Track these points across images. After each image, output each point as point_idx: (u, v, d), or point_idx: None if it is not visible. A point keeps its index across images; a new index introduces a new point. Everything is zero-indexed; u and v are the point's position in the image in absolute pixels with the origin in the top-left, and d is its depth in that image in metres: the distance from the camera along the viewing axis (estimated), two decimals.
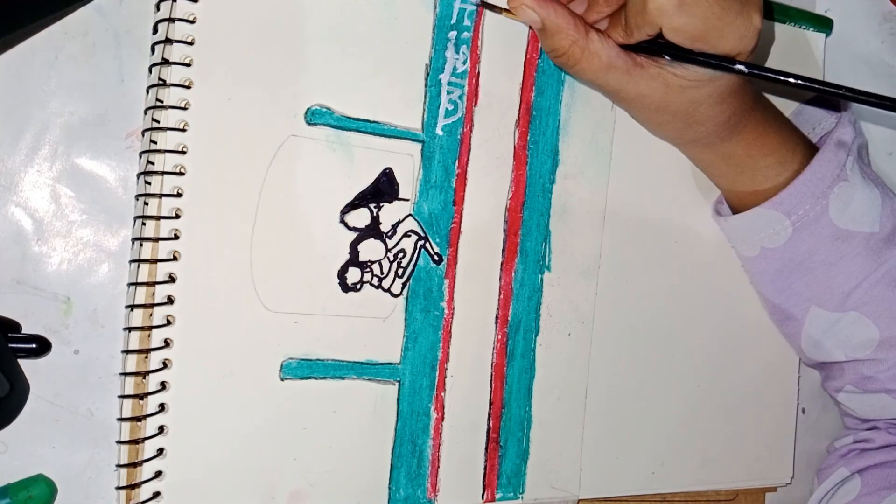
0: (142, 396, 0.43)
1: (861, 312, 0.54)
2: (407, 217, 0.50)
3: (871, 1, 0.69)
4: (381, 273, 0.49)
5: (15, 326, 0.43)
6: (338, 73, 0.47)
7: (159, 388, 0.43)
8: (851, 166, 0.52)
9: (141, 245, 0.44)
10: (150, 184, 0.43)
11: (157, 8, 0.44)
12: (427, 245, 0.50)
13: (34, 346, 0.42)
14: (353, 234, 0.48)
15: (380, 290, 0.49)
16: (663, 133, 0.54)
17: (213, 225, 0.45)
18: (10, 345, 0.42)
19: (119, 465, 0.43)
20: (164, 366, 0.43)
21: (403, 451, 0.50)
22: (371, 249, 0.49)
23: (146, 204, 0.43)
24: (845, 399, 0.59)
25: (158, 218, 0.43)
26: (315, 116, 0.47)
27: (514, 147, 0.52)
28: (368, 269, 0.49)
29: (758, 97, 0.52)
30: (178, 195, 0.43)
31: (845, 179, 0.52)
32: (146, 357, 0.43)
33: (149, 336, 0.43)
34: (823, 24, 0.64)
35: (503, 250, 0.52)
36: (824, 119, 0.58)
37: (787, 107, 0.60)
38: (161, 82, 0.43)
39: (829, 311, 0.55)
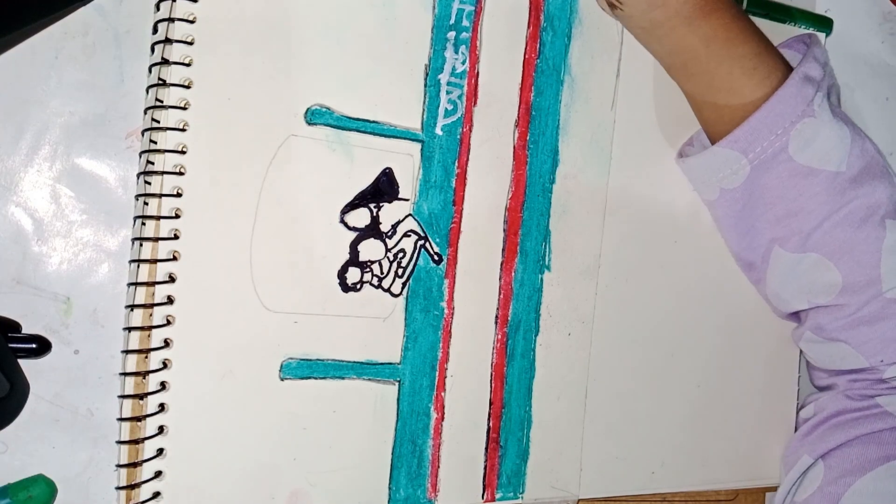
0: (142, 396, 0.43)
1: (822, 254, 0.53)
2: (407, 217, 0.50)
3: (871, 1, 0.69)
4: (381, 273, 0.49)
5: (15, 326, 0.43)
6: (337, 72, 0.48)
7: (159, 388, 0.43)
8: (820, 102, 0.51)
9: (141, 245, 0.44)
10: (150, 184, 0.44)
11: (157, 8, 0.44)
12: (427, 245, 0.50)
13: (34, 346, 0.43)
14: (353, 234, 0.48)
15: (380, 289, 0.49)
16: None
17: (213, 225, 0.45)
18: (10, 345, 0.42)
19: (119, 465, 0.43)
20: (164, 366, 0.43)
21: (403, 451, 0.50)
22: (371, 249, 0.49)
23: (146, 204, 0.44)
24: (807, 348, 0.59)
25: (158, 218, 0.43)
26: (315, 116, 0.47)
27: (514, 147, 0.52)
28: (368, 269, 0.49)
29: None
30: (178, 195, 0.44)
31: (811, 115, 0.50)
32: (146, 357, 0.43)
33: (149, 336, 0.43)
34: (823, 23, 0.64)
35: (503, 250, 0.52)
36: (797, 60, 0.56)
37: None
38: (161, 82, 0.43)
39: (790, 252, 0.54)
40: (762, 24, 0.61)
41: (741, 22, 0.51)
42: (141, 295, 0.43)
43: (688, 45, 0.51)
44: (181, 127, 0.44)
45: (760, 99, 0.51)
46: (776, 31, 0.62)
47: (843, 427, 0.56)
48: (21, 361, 0.43)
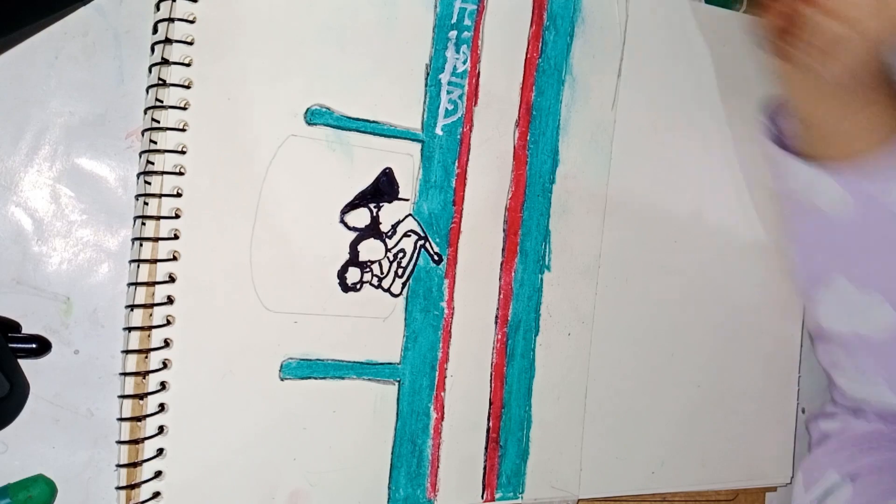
0: (142, 396, 0.43)
1: (886, 298, 0.52)
2: (407, 217, 0.50)
3: None
4: (381, 273, 0.50)
5: (15, 326, 0.43)
6: (337, 72, 0.48)
7: (159, 388, 0.44)
8: None
9: (141, 245, 0.44)
10: (150, 184, 0.44)
11: (157, 8, 0.45)
12: (427, 245, 0.51)
13: (34, 346, 0.43)
14: (353, 234, 0.49)
15: (380, 289, 0.50)
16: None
17: (213, 225, 0.45)
18: (10, 345, 0.42)
19: (119, 465, 0.44)
20: (164, 366, 0.44)
21: (403, 451, 0.50)
22: (371, 249, 0.49)
23: (146, 204, 0.44)
24: (838, 375, 0.58)
25: (158, 218, 0.44)
26: (315, 116, 0.47)
27: (514, 147, 0.53)
28: (368, 269, 0.49)
29: None
30: (178, 195, 0.44)
31: None
32: (146, 357, 0.44)
33: (149, 336, 0.44)
34: None
35: (503, 250, 0.53)
36: None
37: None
38: (161, 82, 0.44)
39: (854, 285, 0.53)
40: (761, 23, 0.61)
41: None
42: (141, 295, 0.44)
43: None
44: (181, 127, 0.44)
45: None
46: None
47: (877, 450, 0.55)
48: (21, 361, 0.43)
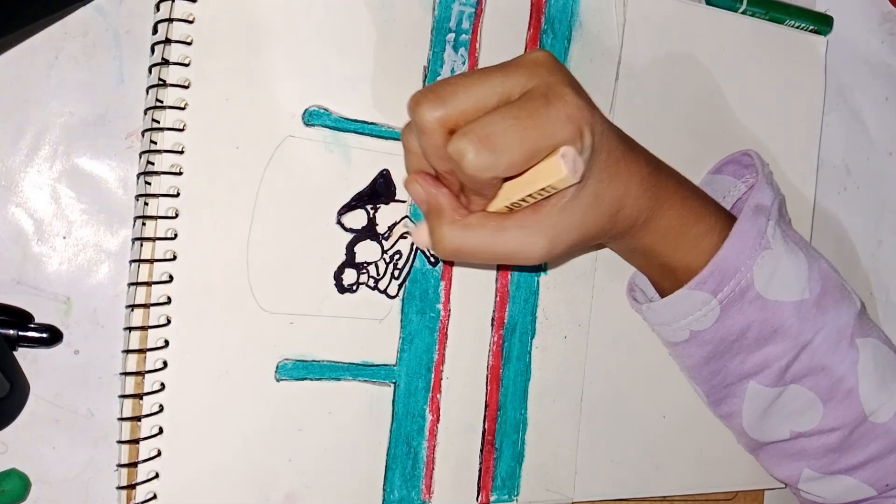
0: (142, 396, 0.45)
1: (802, 385, 0.54)
2: (403, 219, 0.52)
3: (871, 1, 0.72)
4: (378, 274, 0.52)
5: (28, 317, 0.45)
6: (336, 74, 0.50)
7: (158, 388, 0.45)
8: (773, 233, 0.52)
9: (141, 245, 0.46)
10: (149, 184, 0.46)
11: (157, 8, 0.46)
12: None
13: (46, 335, 0.45)
14: (350, 236, 0.51)
15: (376, 291, 0.51)
16: (603, 237, 0.50)
17: (211, 225, 0.47)
18: (24, 333, 0.44)
19: (120, 465, 0.45)
20: (164, 366, 0.46)
21: (398, 453, 0.52)
22: (367, 251, 0.51)
23: (146, 204, 0.46)
24: (808, 487, 0.58)
25: (157, 218, 0.45)
26: (313, 117, 0.49)
27: None
28: (365, 271, 0.51)
29: (659, 164, 0.52)
30: (176, 195, 0.46)
31: (768, 248, 0.51)
32: (146, 357, 0.45)
33: (147, 336, 0.46)
34: (823, 22, 0.67)
35: None
36: (733, 186, 0.59)
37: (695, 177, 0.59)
38: (161, 83, 0.46)
39: (767, 387, 0.55)
40: (761, 24, 0.64)
41: (689, 202, 0.52)
42: (141, 295, 0.45)
43: (649, 243, 0.52)
44: (179, 127, 0.46)
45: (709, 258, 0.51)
46: (776, 31, 0.64)
47: None
48: (21, 362, 0.45)
